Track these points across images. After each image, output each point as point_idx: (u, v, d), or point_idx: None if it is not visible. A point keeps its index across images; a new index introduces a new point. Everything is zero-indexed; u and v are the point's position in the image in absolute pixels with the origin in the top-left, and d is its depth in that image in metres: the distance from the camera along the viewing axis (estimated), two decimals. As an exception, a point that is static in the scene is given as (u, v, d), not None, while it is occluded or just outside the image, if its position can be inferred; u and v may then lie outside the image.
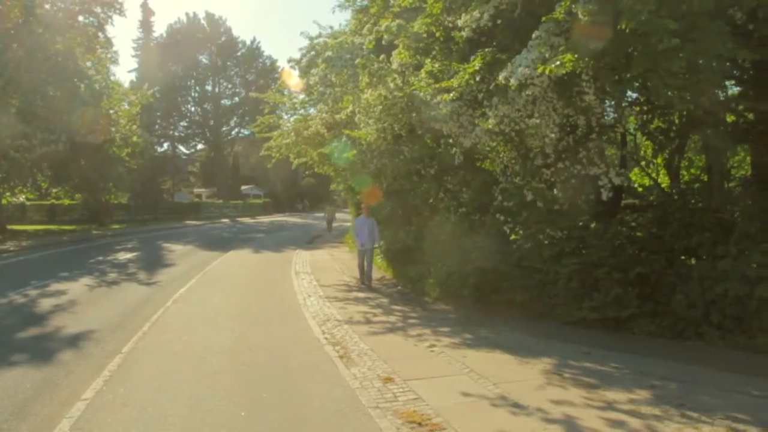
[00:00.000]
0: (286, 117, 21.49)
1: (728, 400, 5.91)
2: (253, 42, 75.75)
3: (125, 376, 6.95)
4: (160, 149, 63.85)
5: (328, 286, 13.93)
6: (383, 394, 6.26)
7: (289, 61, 18.32)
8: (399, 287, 13.82)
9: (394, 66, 11.51)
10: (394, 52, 11.76)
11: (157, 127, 63.57)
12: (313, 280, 14.79)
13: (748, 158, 10.09)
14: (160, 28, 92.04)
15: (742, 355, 7.61)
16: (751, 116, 9.37)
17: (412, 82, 10.98)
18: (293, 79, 19.26)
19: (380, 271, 16.61)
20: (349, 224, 30.97)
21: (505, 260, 10.11)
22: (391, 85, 11.24)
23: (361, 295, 12.88)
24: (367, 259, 14.21)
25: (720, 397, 6.01)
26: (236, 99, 75.14)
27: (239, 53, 74.45)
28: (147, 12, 61.53)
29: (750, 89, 9.27)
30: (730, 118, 9.74)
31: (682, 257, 9.01)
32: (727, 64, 7.80)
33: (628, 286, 8.95)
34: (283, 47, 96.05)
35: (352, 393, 6.32)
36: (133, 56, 68.22)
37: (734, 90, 10.11)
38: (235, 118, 75.72)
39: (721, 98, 9.76)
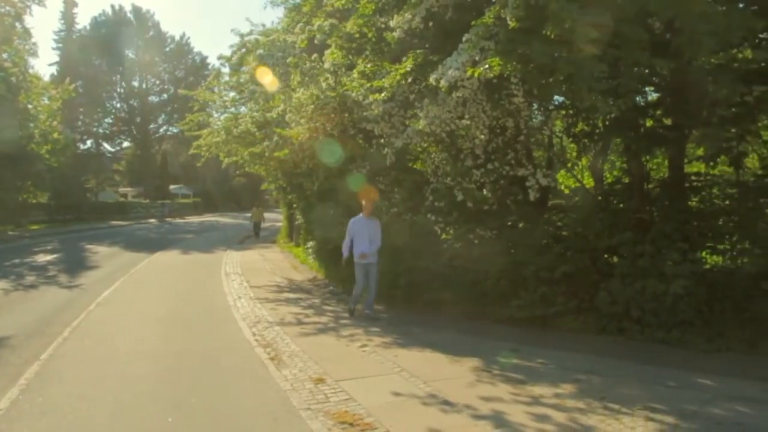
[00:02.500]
0: (216, 115, 21.09)
1: (647, 391, 6.16)
2: (182, 38, 73.91)
3: (44, 384, 6.64)
4: (83, 146, 61.54)
5: (258, 287, 13.74)
6: (315, 395, 6.22)
7: (220, 58, 18.03)
8: (331, 287, 13.77)
9: (327, 65, 11.47)
10: (327, 52, 11.73)
11: (79, 123, 61.22)
12: (244, 282, 14.57)
13: (666, 162, 10.54)
14: (83, 20, 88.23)
15: (659, 348, 7.94)
16: (668, 121, 9.80)
17: (345, 82, 10.97)
18: (224, 77, 18.93)
19: (312, 271, 16.53)
20: (280, 224, 30.65)
21: (437, 260, 10.23)
22: (324, 84, 11.19)
23: (292, 296, 12.77)
24: (372, 278, 10.33)
25: (639, 389, 6.26)
26: (164, 96, 73.01)
27: (168, 49, 72.34)
28: (69, 3, 59.18)
29: (667, 96, 9.70)
30: (648, 123, 10.16)
31: (605, 256, 9.34)
32: (646, 71, 8.14)
33: (555, 285, 9.20)
34: (213, 44, 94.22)
35: (283, 395, 6.25)
36: (54, 49, 65.25)
37: (653, 96, 10.54)
38: (163, 116, 73.57)
39: (641, 104, 10.20)
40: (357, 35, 11.19)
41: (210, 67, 61.60)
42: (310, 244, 17.91)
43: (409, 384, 6.54)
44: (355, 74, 10.80)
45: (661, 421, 5.34)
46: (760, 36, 8.23)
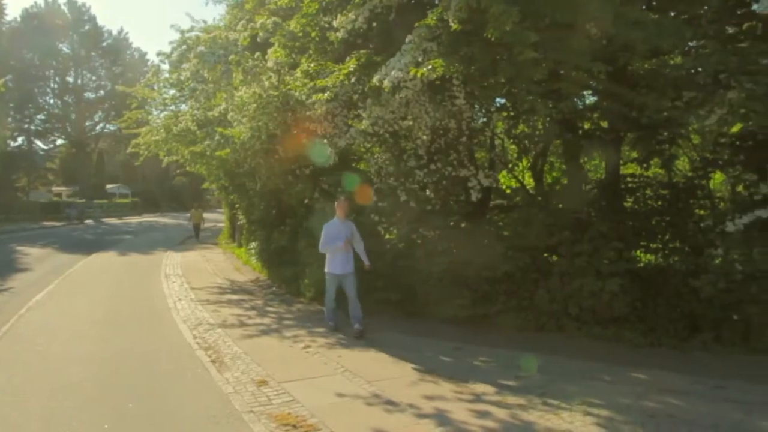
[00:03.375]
0: (155, 113, 20.57)
1: (585, 386, 6.34)
2: (120, 32, 71.73)
3: (-31, 392, 6.33)
4: (13, 144, 58.91)
5: (200, 288, 13.47)
6: (257, 397, 6.14)
7: (159, 54, 17.58)
8: (274, 288, 13.62)
9: (270, 64, 11.33)
10: (270, 50, 11.59)
11: (10, 119, 58.51)
12: (185, 283, 14.25)
13: (603, 163, 10.88)
14: (14, 12, 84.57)
15: (596, 344, 8.19)
16: (604, 125, 10.10)
17: (288, 81, 10.86)
18: (164, 74, 18.47)
19: (255, 272, 16.31)
20: (222, 225, 30.13)
21: (380, 260, 10.24)
22: (266, 83, 11.05)
23: (234, 297, 12.56)
24: (348, 290, 8.96)
25: (578, 384, 6.43)
26: (101, 92, 70.59)
27: (105, 43, 69.99)
28: (-2, -6, 56.48)
29: (604, 99, 10.00)
30: (586, 126, 10.45)
31: (545, 255, 9.55)
32: (585, 75, 8.37)
33: (496, 284, 9.37)
34: (153, 40, 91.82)
35: (224, 398, 6.15)
36: (-19, 42, 62.23)
37: (591, 100, 10.85)
38: (99, 113, 71.12)
39: (580, 107, 10.49)
40: (300, 34, 11.10)
41: (149, 63, 60.05)
42: (253, 244, 17.67)
43: (352, 384, 6.53)
44: (298, 73, 10.71)
45: (598, 415, 5.51)
46: (690, 44, 8.58)
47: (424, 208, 10.00)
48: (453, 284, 9.60)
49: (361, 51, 9.49)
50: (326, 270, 9.13)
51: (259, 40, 12.01)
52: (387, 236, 10.59)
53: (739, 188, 8.77)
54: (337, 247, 8.88)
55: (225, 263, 18.82)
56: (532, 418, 5.47)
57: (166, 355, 7.88)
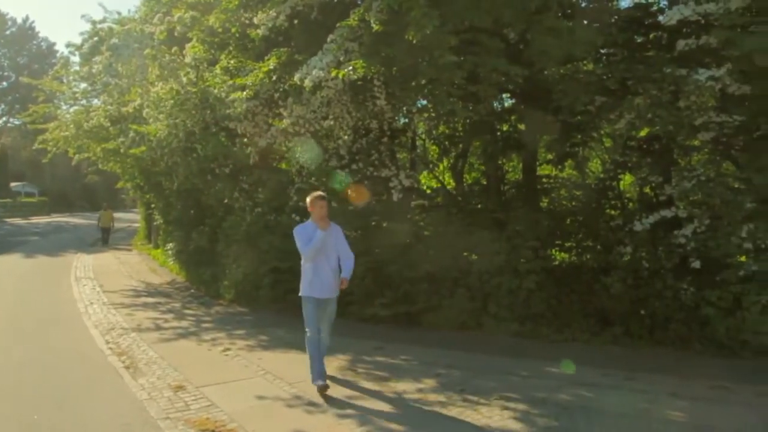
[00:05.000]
0: (65, 107, 19.64)
1: (502, 382, 6.50)
2: (25, 21, 68.00)
3: None
4: None
5: (113, 291, 12.95)
6: (174, 403, 5.96)
7: (69, 45, 16.77)
8: (192, 290, 13.28)
9: (188, 60, 11.01)
10: (188, 45, 11.25)
11: None
12: (97, 286, 13.67)
13: (520, 165, 11.21)
14: None
15: (514, 340, 8.41)
16: (522, 127, 10.41)
17: (207, 77, 10.60)
18: (73, 66, 17.64)
19: (172, 273, 15.85)
20: (137, 225, 29.05)
21: (300, 260, 10.15)
22: (184, 79, 10.75)
23: (150, 300, 12.16)
24: (327, 320, 6.56)
25: (496, 380, 6.58)
26: (4, 84, 66.78)
27: (8, 32, 66.24)
28: None
29: (521, 103, 10.31)
30: (504, 128, 10.74)
31: (465, 254, 9.74)
32: (503, 78, 8.61)
33: (417, 283, 9.47)
34: (62, 30, 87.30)
35: (139, 405, 5.93)
36: None
37: (509, 102, 11.16)
38: (2, 106, 67.27)
39: (498, 109, 10.77)
40: (220, 30, 10.83)
41: (58, 54, 57.12)
42: (170, 245, 17.15)
43: (273, 387, 6.45)
44: (217, 70, 10.45)
45: (515, 409, 5.65)
46: (601, 51, 8.97)
47: (345, 208, 10.00)
48: (375, 284, 9.64)
49: (282, 49, 9.38)
50: (303, 293, 6.35)
51: (176, 34, 11.63)
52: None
53: (646, 189, 9.23)
54: (320, 259, 6.31)
55: (140, 265, 18.19)
56: (452, 414, 5.56)
57: (76, 362, 7.53)
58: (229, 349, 8.02)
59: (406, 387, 6.38)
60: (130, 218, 36.71)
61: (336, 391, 6.24)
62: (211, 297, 12.23)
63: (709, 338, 7.56)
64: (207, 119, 10.71)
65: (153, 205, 20.61)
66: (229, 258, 11.81)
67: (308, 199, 6.47)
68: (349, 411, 5.66)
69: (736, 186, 7.92)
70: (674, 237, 7.80)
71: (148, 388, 6.44)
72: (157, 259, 18.94)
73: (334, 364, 7.22)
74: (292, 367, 7.10)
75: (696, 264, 7.60)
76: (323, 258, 6.31)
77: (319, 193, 6.62)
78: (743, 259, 7.56)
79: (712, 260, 7.59)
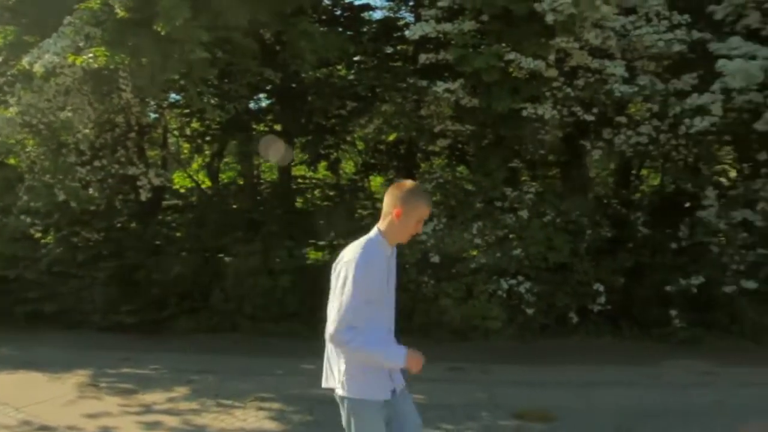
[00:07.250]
0: None
1: (257, 383, 6.48)
2: None
3: None
4: None
5: None
6: None
7: None
8: None
9: None
10: None
11: None
12: None
13: (276, 165, 11.29)
14: None
15: (270, 340, 8.42)
16: (278, 127, 10.50)
17: None
18: None
19: None
20: None
21: (33, 267, 9.12)
22: None
23: None
24: (410, 413, 3.05)
25: (250, 381, 6.54)
26: None
27: None
28: None
29: (277, 104, 10.41)
30: (260, 128, 10.74)
31: (219, 255, 9.55)
32: (258, 78, 8.59)
33: (169, 287, 9.06)
34: None
35: None
36: None
37: (266, 102, 11.18)
38: None
39: (254, 109, 10.72)
40: None
41: None
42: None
43: (-3, 414, 5.66)
44: None
45: (270, 409, 5.69)
46: (354, 59, 9.42)
47: (86, 209, 9.19)
48: (120, 290, 9.02)
49: (9, 27, 8.32)
50: (359, 396, 2.76)
51: None
52: (42, 240, 9.45)
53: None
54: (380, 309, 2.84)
55: None
56: (205, 421, 5.40)
57: None
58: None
59: (155, 398, 6.04)
60: None
61: (74, 410, 5.67)
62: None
63: (446, 326, 8.33)
64: None
65: None
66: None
67: (403, 194, 2.95)
68: (90, 430, 5.20)
69: (469, 188, 8.87)
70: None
71: None
72: None
73: (71, 381, 6.58)
74: (21, 390, 6.28)
75: (435, 258, 8.33)
76: (384, 307, 2.91)
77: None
78: (474, 253, 8.46)
79: (448, 255, 8.39)
